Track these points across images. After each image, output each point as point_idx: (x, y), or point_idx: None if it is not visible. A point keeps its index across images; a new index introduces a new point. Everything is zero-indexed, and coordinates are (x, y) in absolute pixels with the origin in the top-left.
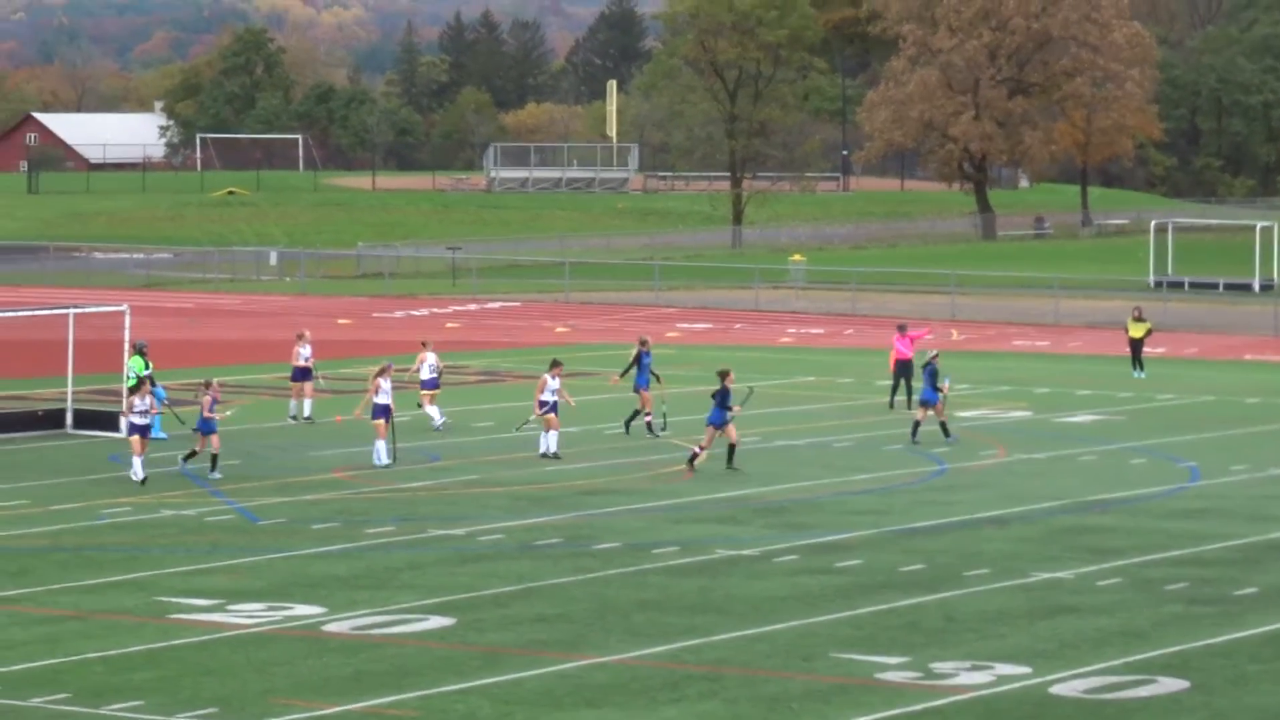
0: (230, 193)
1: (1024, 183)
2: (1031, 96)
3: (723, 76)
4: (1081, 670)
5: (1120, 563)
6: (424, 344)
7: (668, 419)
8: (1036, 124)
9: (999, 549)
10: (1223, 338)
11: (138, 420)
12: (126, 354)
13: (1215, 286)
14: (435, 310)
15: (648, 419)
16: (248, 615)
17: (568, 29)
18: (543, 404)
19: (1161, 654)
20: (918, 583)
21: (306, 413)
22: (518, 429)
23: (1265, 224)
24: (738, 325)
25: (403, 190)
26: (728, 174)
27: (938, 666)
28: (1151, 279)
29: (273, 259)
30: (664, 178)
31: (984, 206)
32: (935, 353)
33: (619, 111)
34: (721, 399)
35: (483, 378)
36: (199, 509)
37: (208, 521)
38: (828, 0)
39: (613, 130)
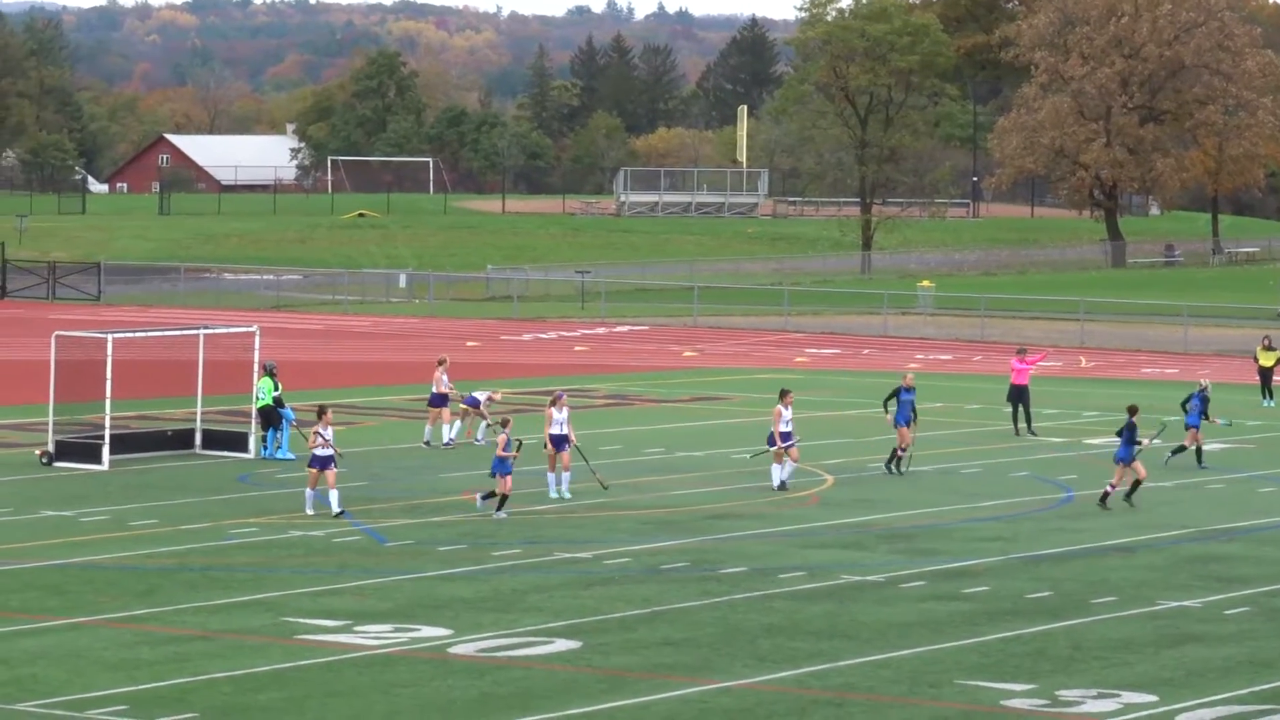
0: (360, 215)
1: (1155, 210)
2: (1163, 124)
3: (854, 102)
4: (1208, 699)
5: (1248, 591)
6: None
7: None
8: (1168, 151)
9: (1125, 577)
10: None
11: (320, 451)
12: (256, 375)
13: None
14: (563, 333)
15: (900, 454)
16: (374, 636)
17: (699, 54)
18: (784, 436)
19: None
20: (1044, 610)
21: (446, 439)
22: (751, 457)
23: None
24: (866, 351)
25: (532, 214)
26: (857, 199)
27: (1064, 694)
28: None
29: (402, 281)
30: (793, 203)
31: (1114, 234)
32: (1207, 383)
33: (749, 136)
34: (1129, 434)
35: (610, 401)
36: (327, 530)
37: (335, 542)
38: (960, 26)
39: (743, 155)
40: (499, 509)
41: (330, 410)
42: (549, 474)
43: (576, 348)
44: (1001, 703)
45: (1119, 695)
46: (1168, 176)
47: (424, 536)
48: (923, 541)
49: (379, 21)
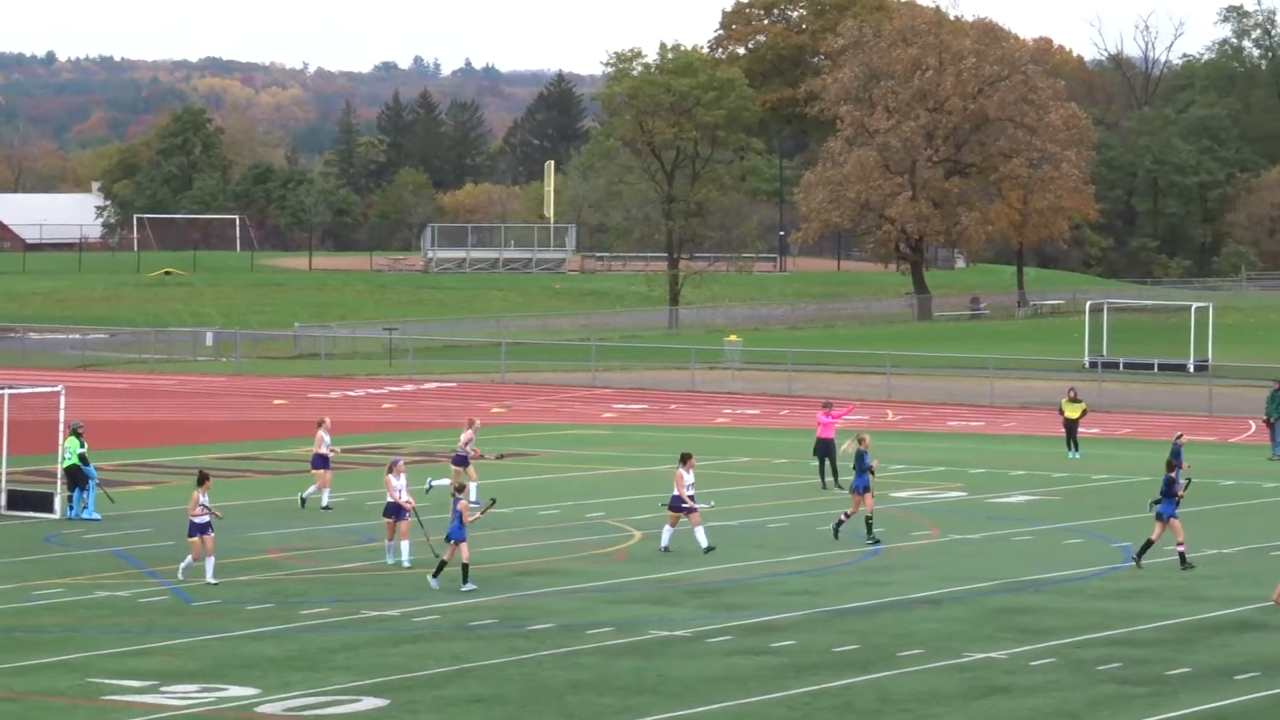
0: (167, 273)
1: (960, 263)
2: (968, 177)
3: (660, 157)
4: None
5: (1054, 643)
6: (320, 423)
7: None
8: (973, 204)
9: (933, 629)
10: (1157, 418)
11: (199, 519)
12: (62, 435)
13: (1150, 367)
14: (371, 391)
15: (842, 518)
16: (181, 697)
17: (506, 109)
18: (680, 500)
19: None
20: (851, 663)
21: (325, 502)
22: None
23: (1200, 305)
24: (674, 406)
25: (340, 270)
26: (665, 254)
27: None
28: (1086, 359)
29: (209, 339)
30: (601, 258)
31: (920, 287)
32: (1180, 434)
33: (556, 192)
34: (1169, 489)
35: (418, 458)
36: (133, 590)
37: (142, 603)
38: (765, 81)
39: (550, 210)
40: (436, 574)
41: (210, 478)
42: (387, 542)
43: (384, 405)
44: None
45: None
46: (973, 229)
47: (231, 595)
48: (730, 596)
49: (184, 78)
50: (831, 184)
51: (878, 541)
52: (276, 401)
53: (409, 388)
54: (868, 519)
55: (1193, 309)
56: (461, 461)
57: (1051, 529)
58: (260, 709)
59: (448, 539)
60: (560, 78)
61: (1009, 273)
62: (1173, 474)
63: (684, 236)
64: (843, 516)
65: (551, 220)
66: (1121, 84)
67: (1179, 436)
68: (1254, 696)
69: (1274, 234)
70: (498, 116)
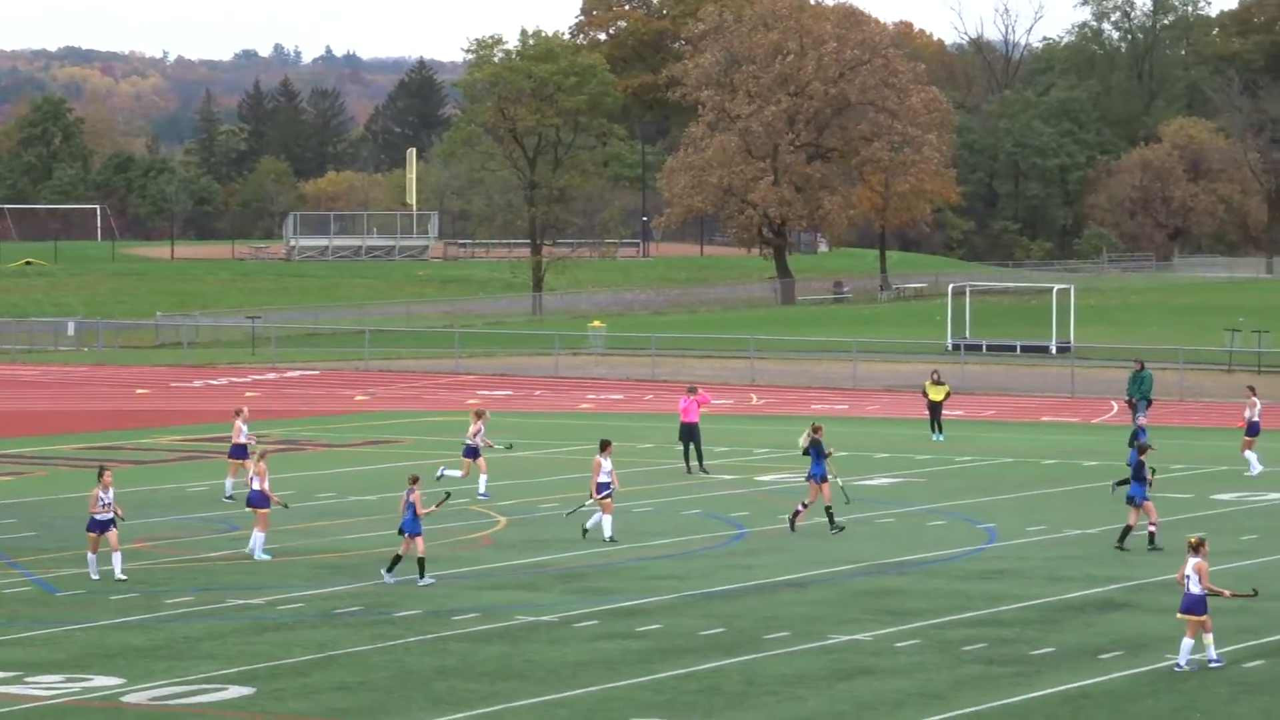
0: (28, 263)
1: (823, 247)
2: (830, 161)
3: (522, 144)
4: None
5: (919, 624)
6: (238, 412)
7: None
8: (835, 189)
9: (798, 612)
10: (1020, 400)
11: (100, 515)
12: None
13: (1013, 349)
14: (234, 379)
15: (801, 507)
16: (46, 687)
17: (367, 97)
18: (601, 487)
19: (959, 714)
20: (717, 646)
21: (228, 492)
22: (567, 515)
23: (1062, 286)
24: (538, 392)
25: (201, 259)
26: (528, 241)
27: None
28: (949, 342)
29: (70, 329)
30: (464, 245)
31: (783, 271)
32: (1147, 443)
33: (419, 179)
34: (1140, 472)
35: (282, 446)
36: None
37: (5, 593)
38: (627, 67)
39: (412, 198)
40: (389, 569)
41: (109, 471)
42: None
43: (247, 393)
44: None
45: None
46: (835, 213)
47: (96, 586)
48: (596, 581)
49: (43, 67)
50: (694, 169)
51: (841, 528)
52: (139, 391)
53: (272, 376)
54: (827, 508)
55: (1054, 291)
56: (472, 453)
57: (915, 511)
58: (125, 699)
59: (400, 532)
60: (421, 65)
61: (871, 256)
62: (1143, 456)
63: (547, 223)
64: (800, 507)
65: (414, 207)
66: (982, 67)
67: (1144, 442)
68: (1118, 675)
69: (1134, 216)
70: (359, 104)
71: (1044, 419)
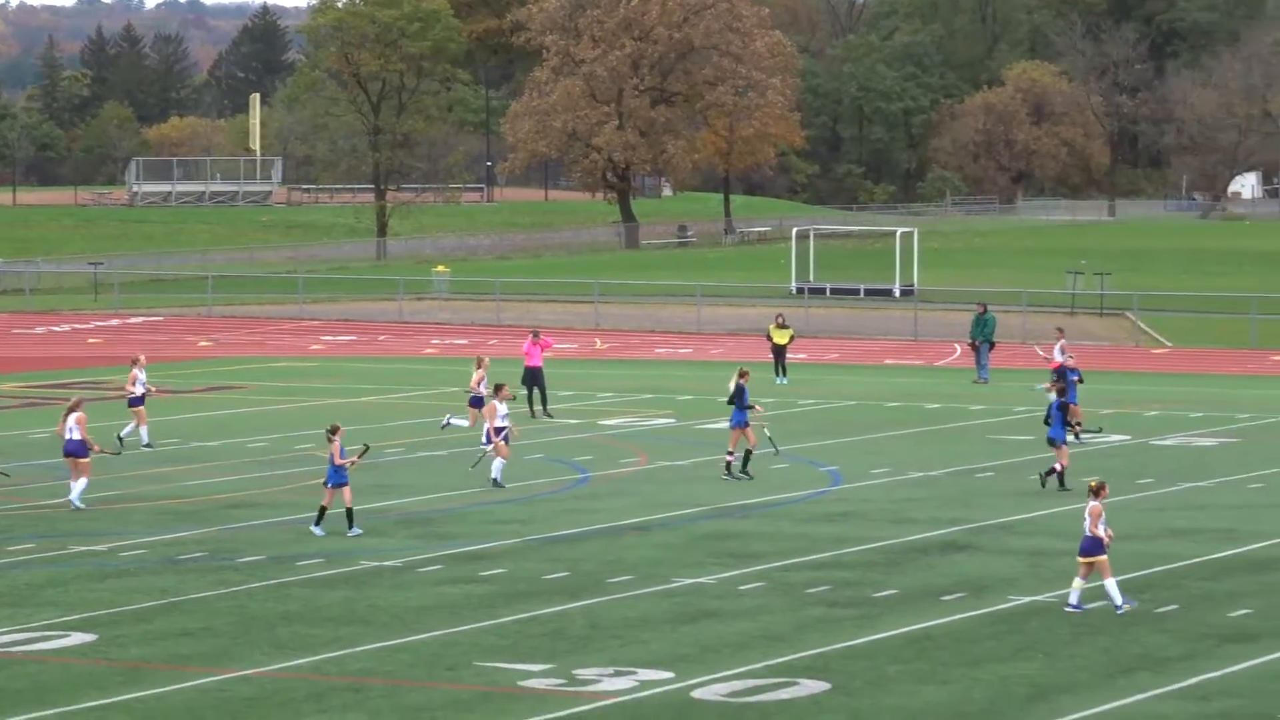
0: None
1: (667, 191)
2: (674, 106)
3: (366, 89)
4: (723, 674)
5: (762, 567)
6: (135, 360)
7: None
8: (679, 133)
9: (642, 555)
10: (864, 343)
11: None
12: None
13: (856, 292)
14: (77, 326)
15: (728, 456)
16: None
17: (211, 42)
18: (496, 430)
19: (802, 656)
20: (561, 590)
21: (145, 440)
22: (473, 466)
23: (905, 230)
24: (382, 337)
25: (44, 205)
26: (372, 186)
27: (581, 673)
28: (793, 286)
29: None
30: (308, 190)
31: (628, 216)
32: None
33: (262, 124)
34: (1059, 416)
35: (124, 393)
36: None
37: None
38: (471, 12)
39: (256, 143)
40: (317, 522)
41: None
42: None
43: (90, 340)
44: (519, 683)
45: (635, 673)
46: (679, 158)
47: None
48: (440, 526)
49: None
50: (538, 114)
51: (751, 477)
52: None
53: (115, 322)
54: (748, 452)
55: (898, 234)
56: (477, 403)
57: (759, 454)
58: None
59: (325, 484)
60: (265, 10)
61: (716, 200)
62: (1064, 399)
63: (391, 168)
64: (728, 455)
65: (258, 153)
66: (826, 12)
67: (1068, 359)
68: (960, 617)
69: (978, 159)
70: (203, 50)
71: (887, 362)
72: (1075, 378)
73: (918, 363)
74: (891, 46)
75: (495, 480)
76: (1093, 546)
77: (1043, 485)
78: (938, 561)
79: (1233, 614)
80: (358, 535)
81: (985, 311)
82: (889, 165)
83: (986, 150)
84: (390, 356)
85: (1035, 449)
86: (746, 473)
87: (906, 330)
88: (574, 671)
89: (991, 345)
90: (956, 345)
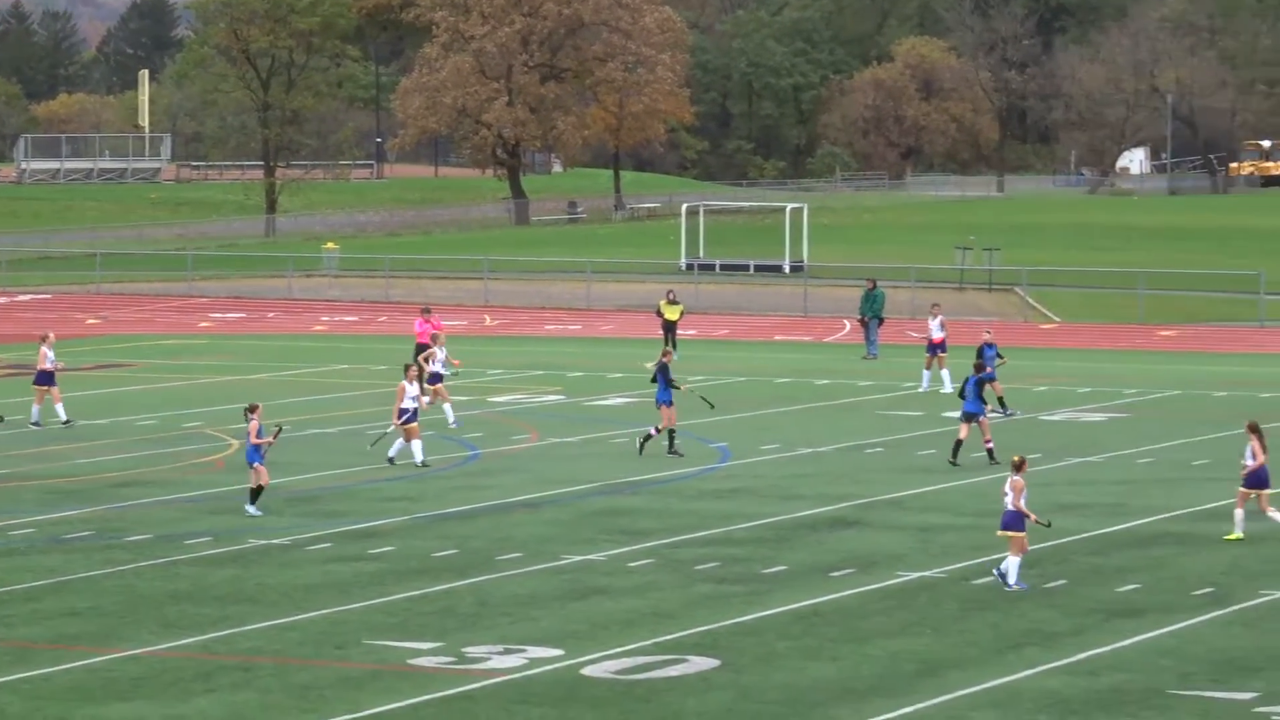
0: None
1: (557, 168)
2: (564, 82)
3: (255, 65)
4: (613, 651)
5: (651, 544)
6: (44, 338)
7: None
8: (569, 109)
9: (531, 532)
10: (753, 319)
11: None
12: None
13: (746, 268)
14: None
15: (653, 433)
16: None
17: (99, 18)
18: (403, 412)
19: (692, 633)
20: (450, 568)
21: (63, 417)
22: (371, 446)
23: (795, 205)
24: (271, 314)
25: None
26: (261, 163)
27: (470, 651)
28: (683, 262)
29: None
30: (197, 167)
31: (518, 192)
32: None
33: (151, 101)
34: (975, 390)
35: (12, 371)
36: None
37: None
38: None
39: (145, 120)
40: (253, 503)
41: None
42: (410, 444)
43: None
44: (409, 661)
45: (525, 650)
46: (569, 134)
47: None
48: (329, 503)
49: None
50: (428, 90)
51: (681, 455)
52: None
53: (2, 300)
54: (670, 432)
55: (788, 210)
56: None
57: (648, 431)
58: None
59: (249, 464)
60: None
61: (605, 176)
62: (980, 375)
63: (280, 144)
64: (652, 431)
65: (147, 130)
66: None
67: (987, 334)
68: (848, 593)
69: (867, 135)
70: (91, 26)
71: (777, 338)
72: (993, 353)
73: (807, 339)
74: (781, 22)
75: (420, 462)
76: (1014, 520)
77: (952, 462)
78: (827, 538)
79: (1121, 589)
80: (256, 515)
81: (874, 287)
82: (779, 141)
83: (876, 126)
84: (280, 334)
85: (925, 425)
86: (676, 451)
87: (796, 306)
88: (463, 649)
89: (881, 321)
90: (846, 321)
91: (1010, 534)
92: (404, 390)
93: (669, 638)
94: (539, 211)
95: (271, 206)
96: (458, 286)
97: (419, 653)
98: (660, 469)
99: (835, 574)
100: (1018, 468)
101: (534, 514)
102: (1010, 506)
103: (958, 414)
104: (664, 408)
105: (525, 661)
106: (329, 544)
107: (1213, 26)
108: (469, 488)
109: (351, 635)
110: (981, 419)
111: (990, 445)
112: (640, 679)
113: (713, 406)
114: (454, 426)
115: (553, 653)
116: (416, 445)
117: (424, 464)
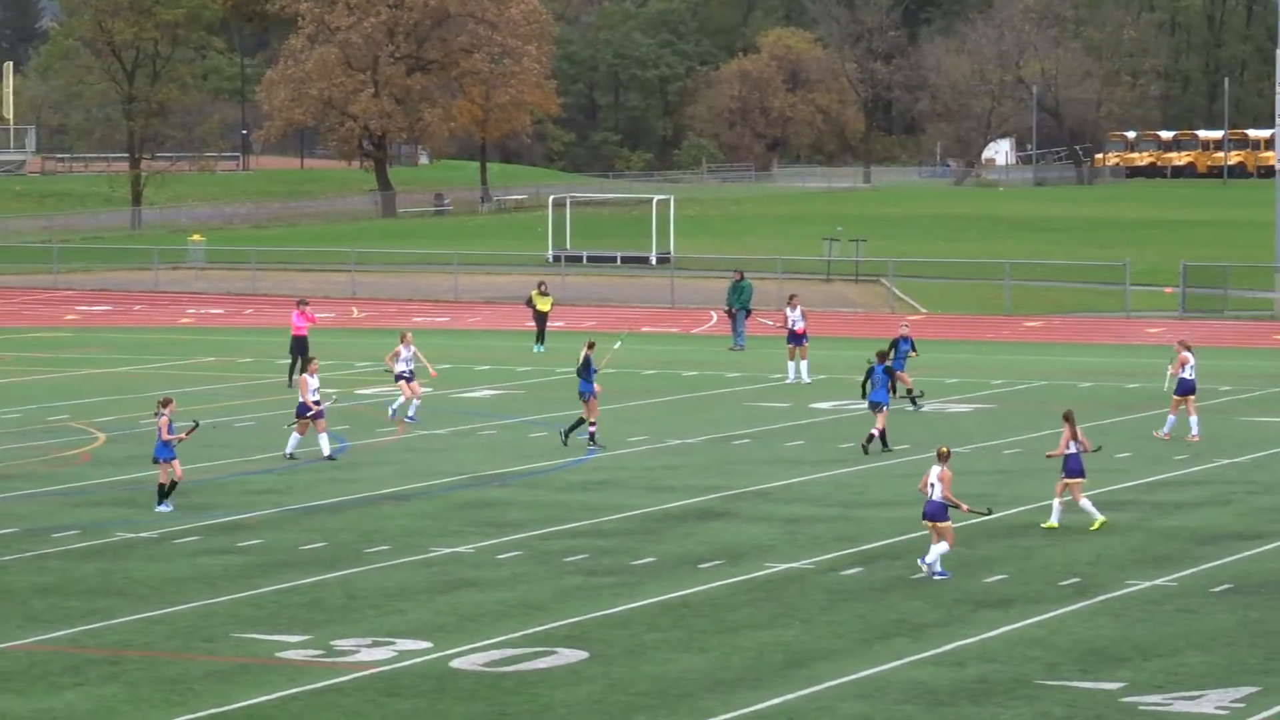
0: None
1: (424, 160)
2: (430, 74)
3: (120, 57)
4: (482, 643)
5: (520, 536)
6: None
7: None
8: (436, 101)
9: (400, 525)
10: (621, 310)
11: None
12: None
13: (613, 260)
14: None
15: (592, 429)
16: None
17: None
18: (306, 406)
19: (561, 625)
20: (319, 561)
21: None
22: (284, 430)
23: (662, 197)
24: (137, 307)
25: None
26: (126, 155)
27: (339, 644)
28: (550, 254)
29: None
30: (62, 159)
31: (384, 184)
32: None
33: (15, 93)
34: (885, 380)
35: None
36: None
37: None
38: None
39: (9, 112)
40: (163, 501)
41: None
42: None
43: None
44: (277, 654)
45: (393, 643)
46: (436, 126)
47: None
48: (197, 496)
49: None
50: (293, 82)
51: (603, 448)
52: None
53: None
54: (580, 421)
55: (654, 202)
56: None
57: (517, 423)
58: None
59: (155, 460)
60: None
61: (472, 168)
62: (885, 364)
63: (146, 136)
64: (589, 426)
65: (10, 122)
66: None
67: (904, 327)
68: (717, 584)
69: (734, 126)
70: None
71: (644, 329)
72: (907, 347)
73: (674, 330)
74: (647, 14)
75: (328, 455)
76: (938, 511)
77: (865, 451)
78: (695, 529)
79: (988, 579)
80: (166, 511)
81: (742, 279)
82: (645, 133)
83: (742, 118)
84: (146, 326)
85: (792, 416)
86: (599, 444)
87: (663, 298)
88: (332, 642)
89: (748, 313)
90: (713, 312)
91: (935, 524)
92: (306, 384)
93: (538, 630)
94: (406, 204)
95: (137, 199)
96: (325, 279)
97: (287, 645)
98: (528, 461)
99: (704, 565)
100: (943, 459)
101: (402, 506)
102: (937, 498)
103: (826, 405)
104: (589, 400)
105: (394, 654)
106: (197, 537)
107: (1077, 17)
108: (337, 480)
109: (220, 628)
110: (885, 408)
111: (877, 433)
112: (509, 671)
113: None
114: (395, 417)
115: (421, 645)
116: (324, 439)
117: (292, 456)
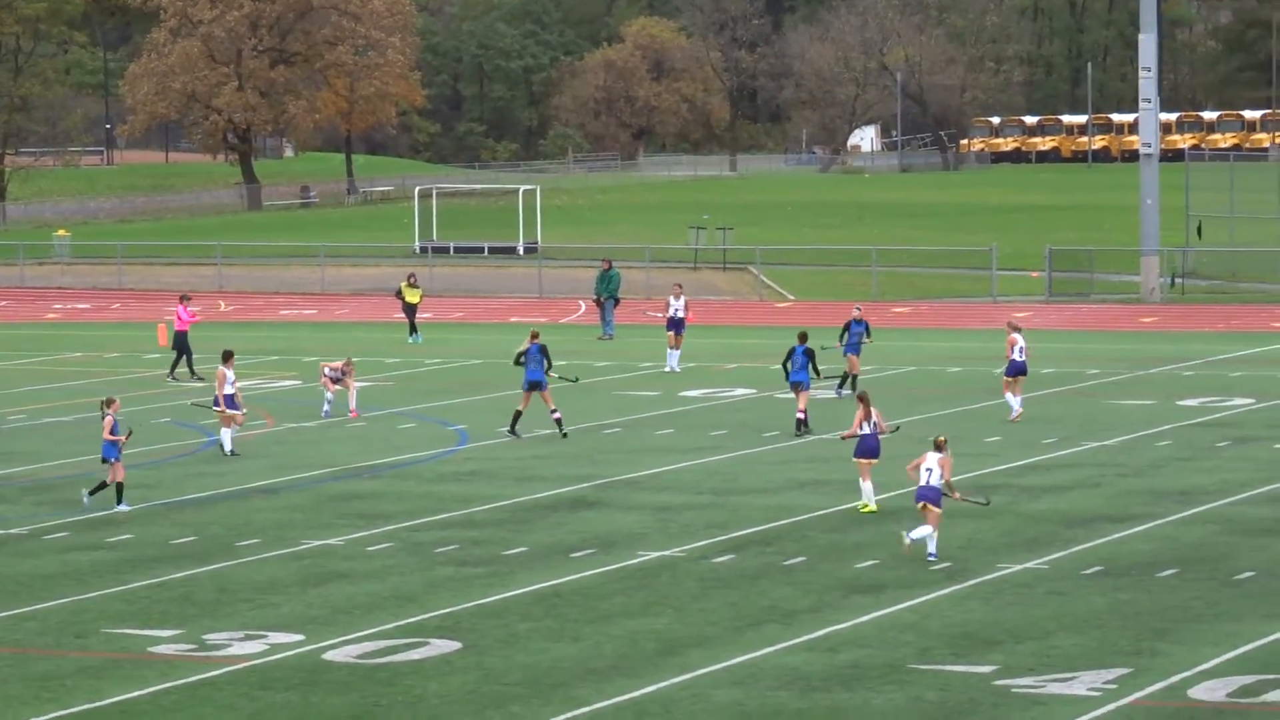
0: None
1: (289, 152)
2: (294, 66)
3: None
4: (354, 635)
5: (391, 527)
6: None
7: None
8: (300, 93)
9: (270, 518)
10: (489, 301)
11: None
12: None
13: (480, 251)
14: None
15: (556, 416)
16: None
17: None
18: (228, 400)
19: (433, 616)
20: (190, 555)
21: None
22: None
23: (528, 187)
24: (3, 303)
25: None
26: None
27: (211, 638)
28: (417, 245)
29: None
30: None
31: (250, 177)
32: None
33: None
34: (806, 360)
35: None
36: None
37: None
38: None
39: None
40: (120, 501)
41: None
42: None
43: None
44: (149, 649)
45: (266, 636)
46: (300, 118)
47: None
48: (63, 492)
49: None
50: (157, 76)
51: (565, 435)
52: None
53: None
54: (518, 412)
55: (520, 192)
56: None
57: (386, 414)
58: None
59: (104, 459)
60: None
61: (338, 160)
62: (805, 345)
63: (8, 132)
64: (553, 417)
65: None
66: None
67: (856, 310)
68: (589, 573)
69: (599, 116)
70: None
71: (512, 320)
72: (861, 329)
73: (543, 320)
74: (510, 4)
75: (230, 450)
76: (935, 495)
77: (798, 432)
78: (567, 519)
79: (859, 565)
80: (125, 510)
81: (610, 268)
82: (510, 123)
83: (607, 107)
84: (11, 322)
85: (662, 404)
86: (515, 432)
87: (531, 288)
88: (204, 636)
89: (616, 301)
90: (581, 302)
91: (929, 506)
92: (224, 376)
93: (410, 621)
94: (271, 196)
95: (1, 194)
96: (191, 272)
97: (159, 640)
98: (398, 452)
99: (576, 555)
100: (940, 447)
101: (272, 499)
102: (936, 483)
103: (696, 393)
104: (534, 390)
105: (267, 647)
106: (67, 533)
107: (940, 4)
108: (206, 474)
109: (91, 624)
110: (806, 391)
111: (803, 415)
112: (382, 663)
113: (576, 380)
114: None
115: (294, 638)
116: (226, 434)
117: (233, 453)
